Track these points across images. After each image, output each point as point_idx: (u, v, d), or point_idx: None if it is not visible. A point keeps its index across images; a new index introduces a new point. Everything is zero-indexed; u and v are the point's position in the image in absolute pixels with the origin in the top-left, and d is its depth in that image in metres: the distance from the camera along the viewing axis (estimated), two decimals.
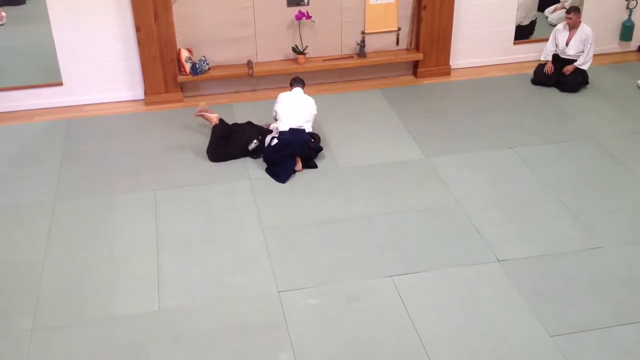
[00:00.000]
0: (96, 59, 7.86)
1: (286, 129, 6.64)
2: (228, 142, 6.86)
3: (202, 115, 7.22)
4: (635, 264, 5.42)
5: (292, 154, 6.60)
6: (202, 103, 7.31)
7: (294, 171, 6.62)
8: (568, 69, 8.14)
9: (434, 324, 4.86)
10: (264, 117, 7.40)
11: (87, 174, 6.70)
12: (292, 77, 7.12)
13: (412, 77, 8.66)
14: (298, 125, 6.67)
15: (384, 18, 8.33)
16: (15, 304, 5.10)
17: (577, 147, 7.04)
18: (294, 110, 6.73)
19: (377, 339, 4.75)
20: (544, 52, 8.37)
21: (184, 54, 7.92)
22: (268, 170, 6.66)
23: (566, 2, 8.91)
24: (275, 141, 6.66)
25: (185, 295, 5.17)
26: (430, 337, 4.75)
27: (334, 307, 5.03)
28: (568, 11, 8.09)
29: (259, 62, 8.24)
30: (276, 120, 6.84)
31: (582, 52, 8.10)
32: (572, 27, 8.09)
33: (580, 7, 8.46)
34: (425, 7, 8.20)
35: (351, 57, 8.41)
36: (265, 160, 6.77)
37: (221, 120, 7.05)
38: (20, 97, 7.91)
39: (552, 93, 8.18)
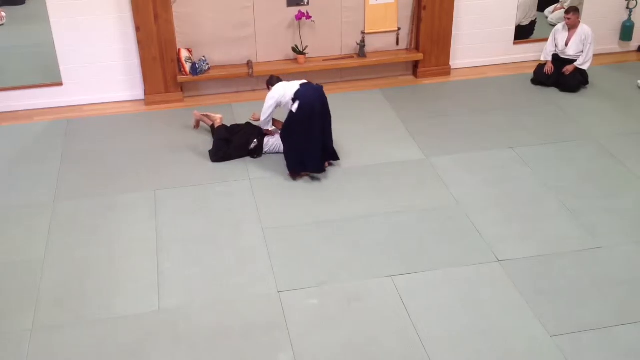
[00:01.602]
0: (96, 59, 7.86)
1: (297, 87, 6.45)
2: (229, 144, 6.88)
3: (203, 119, 7.23)
4: (635, 264, 5.42)
5: (314, 111, 6.36)
6: (195, 112, 7.35)
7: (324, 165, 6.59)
8: (568, 69, 8.13)
9: (434, 324, 4.86)
10: None
11: (87, 174, 6.70)
12: (268, 78, 6.88)
13: (412, 77, 8.66)
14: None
15: (384, 18, 8.33)
16: (15, 304, 5.10)
17: (577, 147, 7.04)
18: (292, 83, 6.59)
19: (377, 339, 4.75)
20: (543, 53, 8.37)
21: (184, 54, 7.92)
22: (291, 160, 6.48)
23: (565, 2, 8.91)
24: (296, 104, 6.35)
25: (185, 295, 5.17)
26: (430, 337, 4.75)
27: (334, 307, 5.03)
28: (567, 11, 8.09)
29: (259, 62, 8.24)
30: (269, 127, 6.78)
31: (582, 52, 8.10)
32: (572, 27, 8.09)
33: (580, 7, 8.46)
34: (425, 7, 8.20)
35: (351, 57, 8.41)
36: (285, 135, 6.51)
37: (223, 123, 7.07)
38: (20, 97, 7.91)
39: (552, 93, 8.18)
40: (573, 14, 8.01)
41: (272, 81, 6.84)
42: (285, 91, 6.55)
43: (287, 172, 6.61)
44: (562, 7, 8.81)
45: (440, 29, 8.37)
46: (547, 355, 4.62)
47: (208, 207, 6.19)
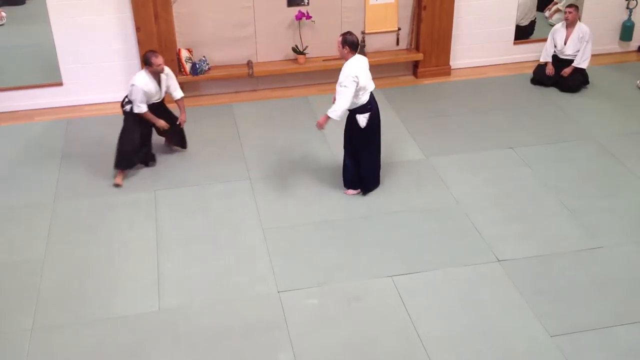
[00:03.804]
0: (96, 59, 7.86)
1: (369, 94, 5.99)
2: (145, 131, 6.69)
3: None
4: (635, 264, 5.42)
5: (378, 122, 6.07)
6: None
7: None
8: (566, 71, 8.11)
9: (434, 324, 4.86)
10: (264, 117, 7.41)
11: (87, 174, 6.70)
12: (349, 36, 5.99)
13: (412, 77, 8.66)
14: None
15: (384, 18, 8.33)
16: (15, 304, 5.10)
17: (577, 147, 7.04)
18: (368, 75, 6.06)
19: (377, 339, 4.75)
20: (543, 54, 8.35)
21: (184, 54, 7.92)
22: (374, 177, 6.28)
23: (561, 2, 8.93)
24: (365, 117, 5.98)
25: (185, 295, 5.17)
26: (430, 337, 4.75)
27: (334, 307, 5.03)
28: (569, 5, 8.10)
29: (259, 62, 8.23)
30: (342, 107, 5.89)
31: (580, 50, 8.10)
32: (570, 24, 8.06)
33: (579, 6, 8.46)
34: (425, 7, 8.20)
35: None
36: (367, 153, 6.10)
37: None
38: (20, 97, 7.91)
39: (552, 93, 8.18)
40: (574, 9, 8.00)
41: (350, 41, 5.89)
42: (366, 80, 5.94)
43: (361, 190, 6.31)
44: (558, 10, 8.83)
45: (441, 29, 8.37)
46: (547, 355, 4.62)
47: (208, 207, 6.19)
